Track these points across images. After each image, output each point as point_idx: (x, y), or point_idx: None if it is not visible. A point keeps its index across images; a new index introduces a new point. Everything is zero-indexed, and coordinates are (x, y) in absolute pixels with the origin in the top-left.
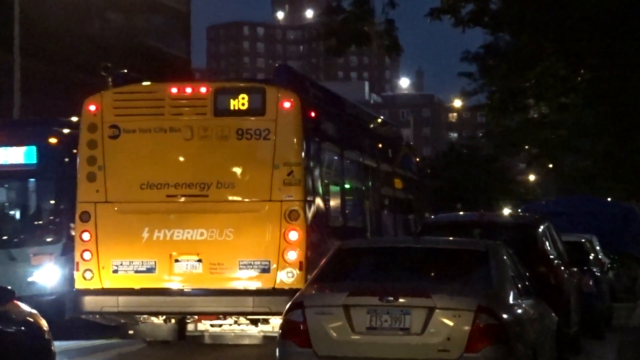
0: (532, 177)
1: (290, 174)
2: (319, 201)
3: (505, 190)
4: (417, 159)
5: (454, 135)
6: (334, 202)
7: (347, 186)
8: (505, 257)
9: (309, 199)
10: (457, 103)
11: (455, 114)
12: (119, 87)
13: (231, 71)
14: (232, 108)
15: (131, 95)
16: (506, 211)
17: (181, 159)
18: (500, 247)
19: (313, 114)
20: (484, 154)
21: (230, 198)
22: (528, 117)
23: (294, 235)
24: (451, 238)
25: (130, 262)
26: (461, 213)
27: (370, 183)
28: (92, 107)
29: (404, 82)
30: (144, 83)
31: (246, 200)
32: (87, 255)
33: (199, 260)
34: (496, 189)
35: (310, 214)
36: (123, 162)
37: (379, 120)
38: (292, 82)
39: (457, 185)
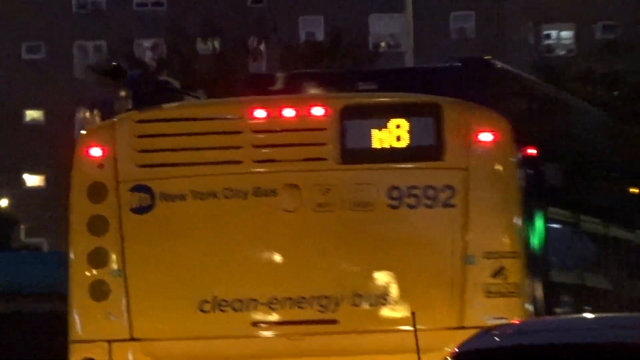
0: None
1: (498, 273)
2: None
3: None
4: None
5: (550, 33)
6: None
7: (591, 284)
8: None
9: None
10: None
11: None
12: (146, 108)
13: None
14: (377, 146)
15: (173, 126)
16: None
17: (278, 252)
18: None
19: (534, 151)
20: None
21: (379, 327)
22: None
23: None
24: None
25: None
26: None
27: (621, 271)
28: (97, 152)
29: None
30: (194, 98)
31: (411, 329)
32: None
33: None
34: None
35: None
36: (161, 259)
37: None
38: (490, 89)
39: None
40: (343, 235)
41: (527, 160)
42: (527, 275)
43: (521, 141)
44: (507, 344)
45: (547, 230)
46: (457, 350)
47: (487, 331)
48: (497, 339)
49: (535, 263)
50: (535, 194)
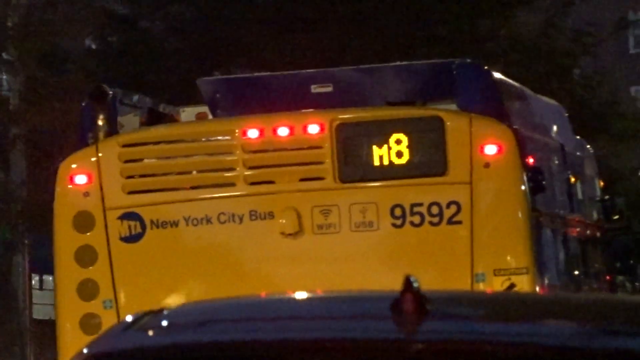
0: None
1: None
2: None
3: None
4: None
5: None
6: None
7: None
8: None
9: None
10: None
11: None
12: (130, 130)
13: None
14: (377, 163)
15: (161, 149)
16: None
17: (278, 279)
18: None
19: (532, 161)
20: None
21: None
22: None
23: None
24: None
25: None
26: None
27: (583, 264)
28: (81, 179)
29: None
30: (181, 115)
31: None
32: None
33: None
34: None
35: None
36: (154, 290)
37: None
38: (491, 98)
39: None
40: (346, 258)
41: (531, 169)
42: (539, 291)
43: (524, 148)
44: (164, 342)
45: (558, 242)
46: (86, 352)
47: (134, 322)
48: (150, 334)
49: (548, 278)
50: (535, 202)
